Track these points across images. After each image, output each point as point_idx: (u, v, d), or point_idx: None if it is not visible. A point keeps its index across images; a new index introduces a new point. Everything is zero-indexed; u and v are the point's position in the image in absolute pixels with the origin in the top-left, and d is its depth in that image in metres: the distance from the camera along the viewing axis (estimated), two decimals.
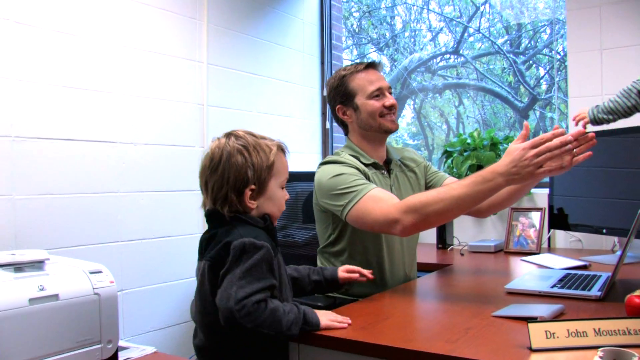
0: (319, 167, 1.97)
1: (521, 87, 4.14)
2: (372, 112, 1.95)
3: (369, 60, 2.04)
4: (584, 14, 2.82)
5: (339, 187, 1.80)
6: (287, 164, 1.49)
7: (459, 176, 3.01)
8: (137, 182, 2.72)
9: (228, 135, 1.44)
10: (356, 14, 4.90)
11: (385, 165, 2.04)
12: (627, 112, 1.91)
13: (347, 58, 4.49)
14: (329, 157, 1.97)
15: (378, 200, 1.72)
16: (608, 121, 1.98)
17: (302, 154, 3.77)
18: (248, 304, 1.25)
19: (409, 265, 2.03)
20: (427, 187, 2.10)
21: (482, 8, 4.31)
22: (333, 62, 4.06)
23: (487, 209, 1.97)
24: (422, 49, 4.66)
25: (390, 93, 2.00)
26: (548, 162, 1.45)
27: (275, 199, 1.45)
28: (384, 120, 1.96)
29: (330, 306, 1.72)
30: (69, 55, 2.46)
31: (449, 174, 3.04)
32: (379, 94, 1.96)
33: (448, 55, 4.52)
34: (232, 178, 1.37)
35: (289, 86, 3.68)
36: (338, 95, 2.02)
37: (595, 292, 1.60)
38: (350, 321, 1.38)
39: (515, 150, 1.49)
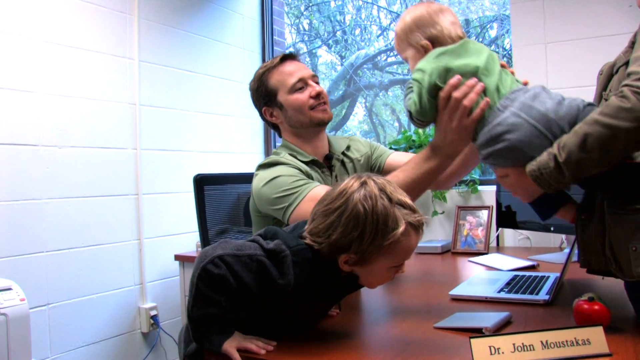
0: (255, 172, 1.79)
1: None
2: (299, 106, 1.77)
3: (284, 53, 1.86)
4: (528, 6, 2.76)
5: (278, 191, 1.64)
6: (412, 247, 1.19)
7: None
8: (63, 188, 2.53)
9: (365, 183, 1.16)
10: (302, 10, 4.78)
11: (326, 162, 1.87)
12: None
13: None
14: (267, 159, 1.78)
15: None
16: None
17: (243, 154, 3.63)
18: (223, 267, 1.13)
19: None
20: (373, 171, 1.93)
21: None
22: None
23: (445, 181, 1.83)
24: (368, 46, 4.57)
25: (317, 81, 1.82)
26: (462, 111, 1.34)
27: (375, 276, 1.21)
28: (315, 112, 1.78)
29: None
30: None
31: None
32: (301, 85, 1.79)
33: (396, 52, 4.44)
34: (337, 235, 1.15)
35: (228, 84, 3.52)
36: (260, 97, 1.85)
37: (543, 296, 1.51)
38: (272, 346, 1.19)
39: (439, 120, 1.40)
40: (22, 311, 1.73)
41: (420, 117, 1.39)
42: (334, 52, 4.72)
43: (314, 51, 4.77)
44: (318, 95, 1.78)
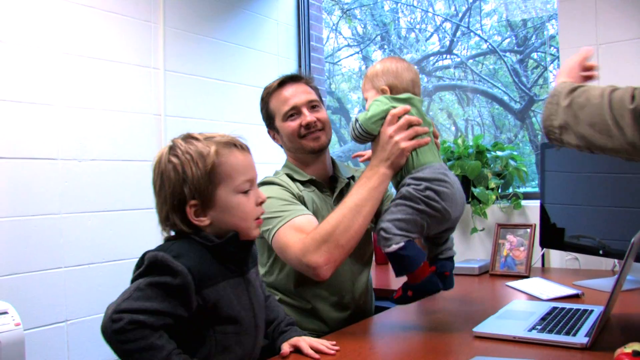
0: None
1: (518, 87, 3.85)
2: (290, 134, 1.78)
3: (285, 75, 1.84)
4: (578, 6, 2.52)
5: (268, 212, 1.59)
6: (244, 162, 1.22)
7: None
8: (83, 202, 2.46)
9: (169, 146, 1.20)
10: (341, 14, 4.63)
11: (330, 183, 1.84)
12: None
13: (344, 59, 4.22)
14: (264, 178, 1.79)
15: (300, 230, 1.54)
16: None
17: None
18: (125, 318, 1.04)
19: (358, 297, 1.78)
20: None
21: (482, 7, 4.03)
22: (312, 64, 3.79)
23: None
24: (417, 51, 4.39)
25: (315, 106, 1.78)
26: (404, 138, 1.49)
27: (232, 209, 1.18)
28: (305, 140, 1.77)
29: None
30: None
31: None
32: (293, 112, 1.77)
33: (445, 56, 4.24)
34: (169, 196, 1.15)
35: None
36: (264, 119, 1.91)
37: (581, 338, 1.31)
38: None
39: (380, 135, 1.52)
40: (17, 336, 1.64)
41: (366, 126, 1.52)
42: (384, 55, 4.56)
43: (357, 55, 4.63)
44: (308, 125, 1.75)
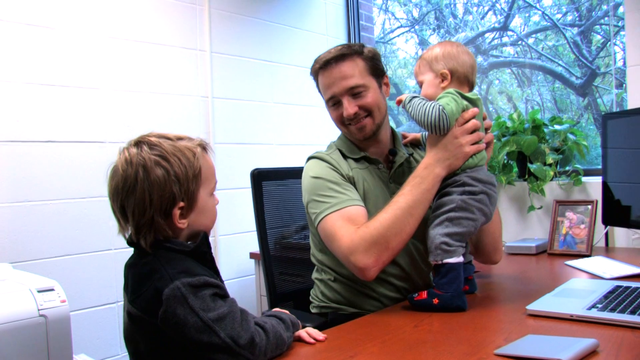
0: (306, 161, 1.74)
1: (579, 61, 3.64)
2: (335, 120, 1.70)
3: (330, 54, 1.64)
4: None
5: (315, 193, 1.58)
6: (212, 165, 1.21)
7: (497, 164, 2.60)
8: None
9: (138, 144, 1.13)
10: None
11: (388, 157, 1.72)
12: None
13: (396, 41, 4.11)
14: (317, 153, 1.72)
15: (350, 221, 1.50)
16: None
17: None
18: (255, 337, 1.06)
19: (417, 277, 1.68)
20: None
21: None
22: (362, 44, 3.70)
23: (490, 253, 1.72)
24: (471, 29, 4.23)
25: (357, 93, 1.61)
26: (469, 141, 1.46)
27: (207, 211, 1.18)
28: (349, 129, 1.66)
29: (320, 326, 1.40)
30: (47, 51, 2.26)
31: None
32: (333, 102, 1.66)
33: (501, 33, 4.07)
34: (157, 198, 1.08)
35: None
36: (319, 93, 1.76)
37: None
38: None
39: (438, 137, 1.47)
40: (63, 313, 1.65)
41: (451, 120, 1.45)
42: (439, 35, 4.42)
43: (413, 41, 4.51)
44: (349, 117, 1.63)
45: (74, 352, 1.66)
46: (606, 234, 2.36)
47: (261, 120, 3.07)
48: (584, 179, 2.45)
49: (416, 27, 4.61)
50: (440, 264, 1.41)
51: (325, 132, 3.42)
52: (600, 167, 2.26)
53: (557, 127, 2.52)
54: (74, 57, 2.33)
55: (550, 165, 2.45)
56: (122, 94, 2.47)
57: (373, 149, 1.70)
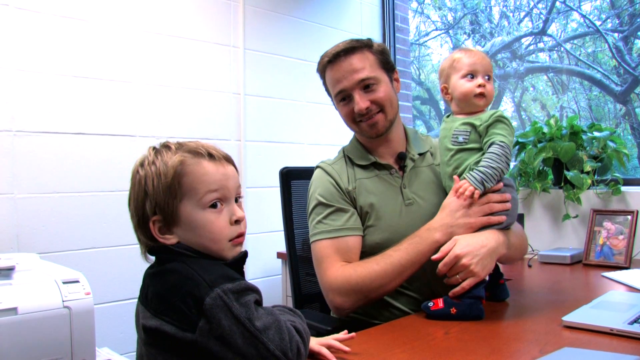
0: (314, 168, 1.72)
1: (620, 67, 3.54)
2: (344, 118, 1.63)
3: (338, 48, 1.57)
4: None
5: (314, 211, 1.59)
6: (213, 173, 1.02)
7: (532, 171, 2.53)
8: None
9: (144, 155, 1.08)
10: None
11: (400, 160, 1.64)
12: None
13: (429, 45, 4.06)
14: (322, 162, 1.71)
15: (342, 253, 1.52)
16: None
17: None
18: (301, 347, 0.96)
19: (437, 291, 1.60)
20: None
21: None
22: (397, 45, 3.66)
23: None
24: (508, 34, 4.15)
25: (368, 85, 1.55)
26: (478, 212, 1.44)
27: (200, 228, 1.00)
28: (360, 126, 1.60)
29: (337, 329, 1.36)
30: (80, 43, 2.27)
31: (520, 168, 2.58)
32: (343, 97, 1.58)
33: (538, 38, 3.98)
34: (132, 209, 1.04)
35: None
36: (326, 92, 1.72)
37: None
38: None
39: (451, 202, 1.45)
40: (87, 305, 1.64)
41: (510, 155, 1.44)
42: (474, 40, 4.36)
43: (447, 46, 4.44)
44: (361, 112, 1.56)
45: (97, 345, 1.65)
46: None
47: (293, 118, 3.05)
48: (623, 188, 2.36)
49: (450, 31, 4.55)
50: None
51: None
52: (639, 177, 2.18)
53: (596, 134, 2.44)
54: (107, 50, 2.34)
55: (587, 173, 2.38)
56: (154, 88, 2.47)
57: (383, 149, 1.64)
